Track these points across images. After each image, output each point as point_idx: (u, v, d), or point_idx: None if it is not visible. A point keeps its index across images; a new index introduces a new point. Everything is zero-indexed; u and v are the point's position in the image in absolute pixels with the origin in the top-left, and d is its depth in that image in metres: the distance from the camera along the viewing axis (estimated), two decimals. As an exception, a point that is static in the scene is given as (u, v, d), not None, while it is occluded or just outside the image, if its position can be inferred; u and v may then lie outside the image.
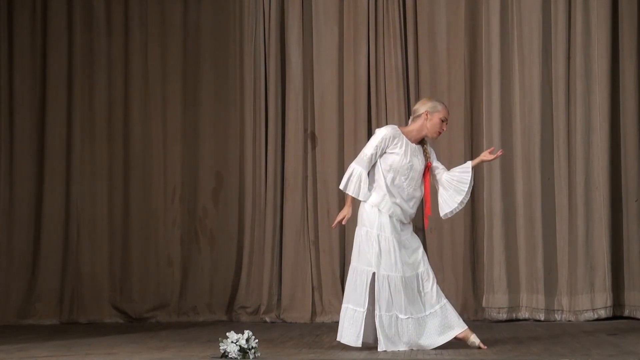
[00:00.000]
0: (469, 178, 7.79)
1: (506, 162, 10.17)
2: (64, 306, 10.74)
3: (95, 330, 9.88)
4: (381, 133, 7.75)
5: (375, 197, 7.68)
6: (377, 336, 7.57)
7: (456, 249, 10.38)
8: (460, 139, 10.37)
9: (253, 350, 7.15)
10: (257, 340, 7.21)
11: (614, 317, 9.93)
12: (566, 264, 10.02)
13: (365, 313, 7.57)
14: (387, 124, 10.42)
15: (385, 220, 7.65)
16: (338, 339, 7.69)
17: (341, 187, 7.76)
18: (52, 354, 7.75)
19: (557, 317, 10.02)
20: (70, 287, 10.76)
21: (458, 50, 10.47)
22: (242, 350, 7.12)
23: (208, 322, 10.48)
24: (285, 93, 10.71)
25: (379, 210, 7.65)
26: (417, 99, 9.99)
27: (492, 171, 10.17)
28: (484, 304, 10.11)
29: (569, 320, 9.93)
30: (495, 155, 7.88)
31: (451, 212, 7.82)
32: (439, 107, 7.79)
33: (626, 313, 9.99)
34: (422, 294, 7.68)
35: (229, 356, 7.14)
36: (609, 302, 9.91)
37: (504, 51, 10.22)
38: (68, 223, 10.84)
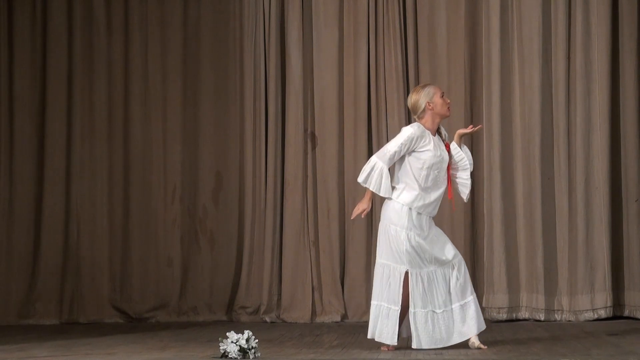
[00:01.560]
0: (462, 154, 7.80)
1: (506, 162, 10.17)
2: (64, 306, 10.73)
3: (95, 330, 9.87)
4: (408, 132, 7.67)
5: (406, 196, 7.62)
6: (411, 333, 7.54)
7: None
8: (460, 139, 10.36)
9: (253, 350, 7.15)
10: (257, 340, 7.21)
11: (614, 317, 9.92)
12: (566, 264, 10.02)
13: (399, 311, 7.56)
14: (387, 124, 10.49)
15: (415, 219, 7.61)
16: (370, 337, 7.64)
17: (360, 180, 7.68)
18: (52, 354, 7.75)
19: (557, 317, 10.01)
20: (70, 287, 10.76)
21: (458, 50, 10.47)
22: (242, 350, 7.12)
23: (208, 322, 10.48)
24: (285, 93, 10.70)
25: (410, 209, 7.62)
26: (417, 99, 9.96)
27: (492, 171, 10.17)
28: (484, 304, 10.09)
29: (569, 320, 9.92)
30: (473, 129, 7.87)
31: (469, 191, 7.87)
32: (431, 89, 7.76)
33: (626, 313, 9.99)
34: (452, 285, 7.67)
35: (229, 356, 7.14)
36: (609, 302, 9.90)
37: (504, 51, 10.22)
38: (68, 223, 10.83)
